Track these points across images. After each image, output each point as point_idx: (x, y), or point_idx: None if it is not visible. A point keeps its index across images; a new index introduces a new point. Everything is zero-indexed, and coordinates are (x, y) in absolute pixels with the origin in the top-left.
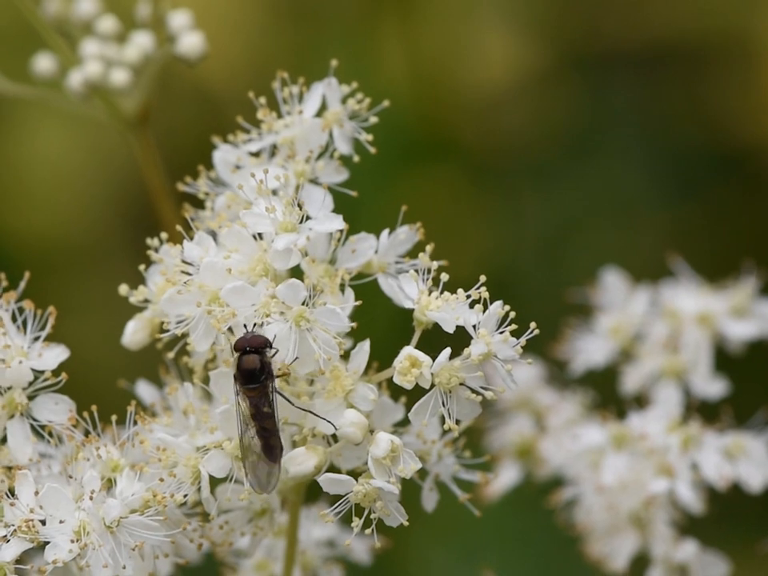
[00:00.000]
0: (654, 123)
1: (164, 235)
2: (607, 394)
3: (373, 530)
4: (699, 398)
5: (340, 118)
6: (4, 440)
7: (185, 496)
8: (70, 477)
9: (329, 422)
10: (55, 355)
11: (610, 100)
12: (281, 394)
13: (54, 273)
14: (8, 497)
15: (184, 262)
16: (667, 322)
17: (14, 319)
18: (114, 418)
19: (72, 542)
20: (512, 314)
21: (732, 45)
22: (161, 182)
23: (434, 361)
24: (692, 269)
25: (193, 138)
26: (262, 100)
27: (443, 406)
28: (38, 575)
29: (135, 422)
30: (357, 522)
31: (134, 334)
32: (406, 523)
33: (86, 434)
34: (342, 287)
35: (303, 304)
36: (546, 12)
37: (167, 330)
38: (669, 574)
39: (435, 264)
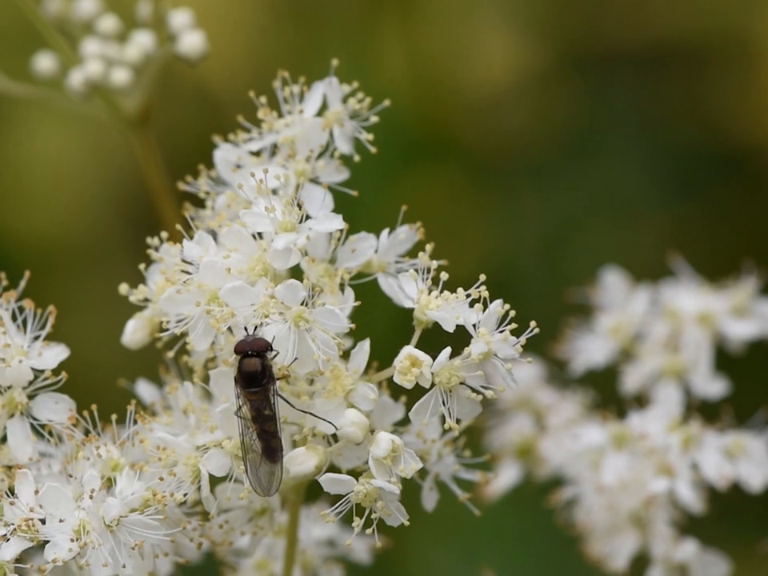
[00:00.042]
0: (654, 123)
1: (164, 234)
2: (607, 393)
3: (374, 529)
4: (699, 398)
5: (341, 117)
6: (4, 439)
7: (185, 495)
8: (70, 476)
9: (329, 422)
10: (55, 354)
11: (610, 100)
12: (282, 397)
13: (53, 273)
14: (8, 496)
15: (184, 261)
16: (667, 321)
17: (14, 318)
18: (114, 417)
19: (72, 540)
20: (512, 313)
21: (732, 45)
22: (161, 182)
23: (434, 360)
24: (692, 269)
25: (193, 137)
26: (263, 99)
27: (443, 405)
28: (38, 574)
29: (135, 421)
30: (358, 522)
31: (133, 333)
32: (406, 523)
33: (86, 433)
34: (342, 287)
35: (302, 304)
36: (546, 12)
37: (167, 329)
38: (669, 573)
39: (435, 263)
